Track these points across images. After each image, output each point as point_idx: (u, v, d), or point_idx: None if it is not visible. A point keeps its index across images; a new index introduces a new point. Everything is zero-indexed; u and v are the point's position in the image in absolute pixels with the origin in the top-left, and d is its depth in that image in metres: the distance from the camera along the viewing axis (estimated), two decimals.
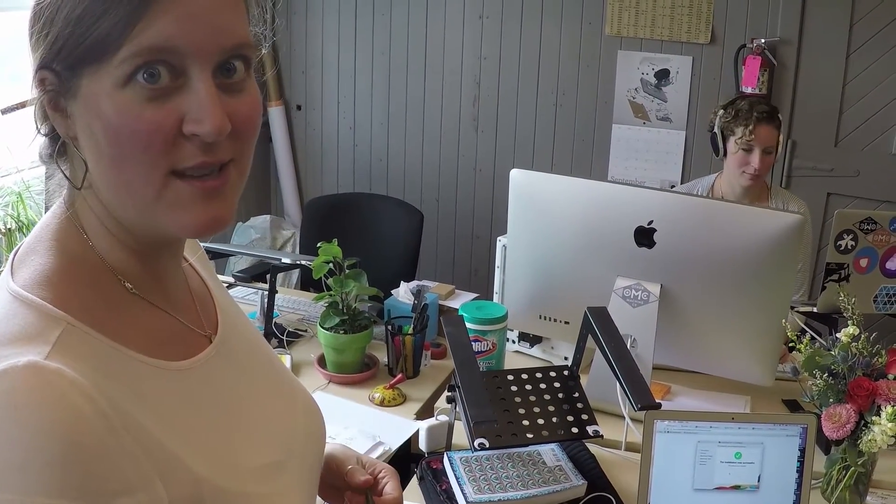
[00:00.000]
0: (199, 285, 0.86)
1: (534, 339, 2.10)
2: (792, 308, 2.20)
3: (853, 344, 1.45)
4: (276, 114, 4.01)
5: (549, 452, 1.56)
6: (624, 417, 1.67)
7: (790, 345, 1.51)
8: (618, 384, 1.45)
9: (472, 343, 1.71)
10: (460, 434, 1.55)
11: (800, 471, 1.40)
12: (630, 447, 1.66)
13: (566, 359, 1.96)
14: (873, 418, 1.39)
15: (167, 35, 0.63)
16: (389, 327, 2.08)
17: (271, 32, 0.80)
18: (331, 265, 2.01)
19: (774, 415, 1.71)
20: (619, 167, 3.63)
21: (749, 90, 3.23)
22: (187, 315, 0.79)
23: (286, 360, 2.10)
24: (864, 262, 2.10)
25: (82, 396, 0.61)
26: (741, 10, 3.31)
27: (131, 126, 0.64)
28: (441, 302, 2.31)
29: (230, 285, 2.34)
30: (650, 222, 1.71)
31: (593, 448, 1.63)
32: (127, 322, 0.71)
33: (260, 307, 2.27)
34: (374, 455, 1.69)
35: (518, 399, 1.51)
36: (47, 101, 0.67)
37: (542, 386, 1.55)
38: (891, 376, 1.43)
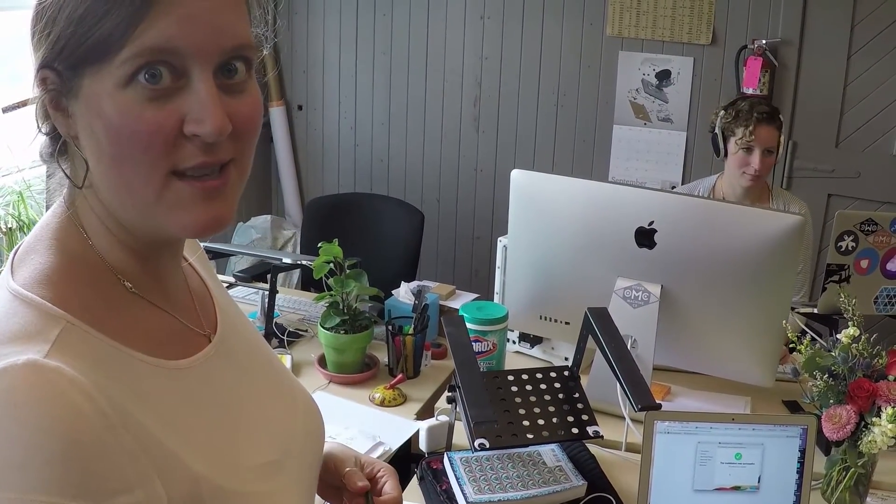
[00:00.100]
0: (198, 285, 0.86)
1: (534, 340, 2.10)
2: (792, 309, 2.20)
3: (853, 345, 1.45)
4: (277, 114, 4.01)
5: (550, 453, 1.56)
6: (624, 418, 1.67)
7: (790, 346, 1.51)
8: (618, 385, 1.45)
9: (473, 343, 1.71)
10: (460, 434, 1.55)
11: (800, 472, 1.40)
12: (630, 448, 1.66)
13: (566, 359, 1.96)
14: (873, 419, 1.39)
15: (168, 36, 0.63)
16: (390, 327, 2.08)
17: (272, 33, 0.80)
18: (331, 265, 2.01)
19: (775, 416, 1.71)
20: (619, 168, 3.63)
21: (750, 91, 3.23)
22: (187, 314, 0.79)
23: (287, 360, 2.10)
24: (864, 264, 2.10)
25: (82, 395, 0.61)
26: (742, 11, 3.31)
27: (132, 126, 0.64)
28: (441, 302, 2.31)
29: (231, 285, 2.34)
30: (651, 223, 1.71)
31: (593, 448, 1.63)
32: (126, 321, 0.71)
33: (261, 307, 2.27)
34: (375, 455, 1.69)
35: (518, 399, 1.51)
36: (49, 100, 0.67)
37: (543, 386, 1.55)
38: (891, 377, 1.43)
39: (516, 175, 1.86)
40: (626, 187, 1.83)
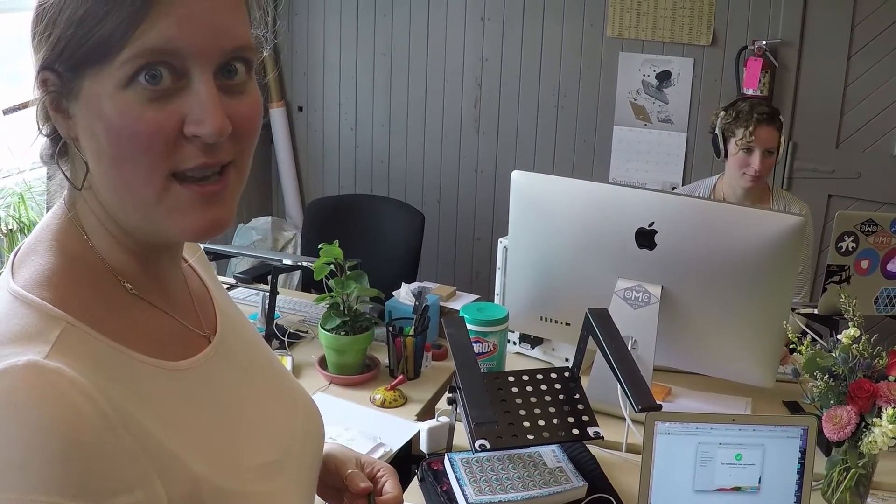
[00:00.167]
0: (198, 286, 0.86)
1: (535, 341, 2.10)
2: (793, 310, 2.20)
3: (854, 346, 1.45)
4: (277, 115, 4.02)
5: (550, 454, 1.56)
6: (625, 419, 1.67)
7: (791, 346, 1.51)
8: (618, 385, 1.45)
9: (473, 344, 1.71)
10: (461, 435, 1.56)
11: (800, 472, 1.40)
12: (631, 448, 1.66)
13: (567, 360, 1.96)
14: (874, 420, 1.39)
15: (168, 37, 0.63)
16: (390, 329, 2.08)
17: (272, 35, 0.80)
18: (332, 266, 2.01)
19: (775, 416, 1.71)
20: (620, 169, 3.63)
21: (750, 92, 3.23)
22: (186, 315, 0.79)
23: (287, 361, 2.10)
24: (864, 264, 2.10)
25: (82, 395, 0.61)
26: (742, 12, 3.31)
27: (132, 127, 0.64)
28: (442, 303, 2.31)
29: (231, 286, 2.34)
30: (651, 224, 1.71)
31: (594, 449, 1.63)
32: (126, 322, 0.71)
33: (261, 308, 2.27)
34: (376, 456, 1.69)
35: (519, 400, 1.51)
36: (49, 101, 0.68)
37: (543, 387, 1.55)
38: (891, 378, 1.43)
39: (517, 176, 1.86)
40: (627, 188, 1.83)
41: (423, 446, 1.67)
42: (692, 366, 1.85)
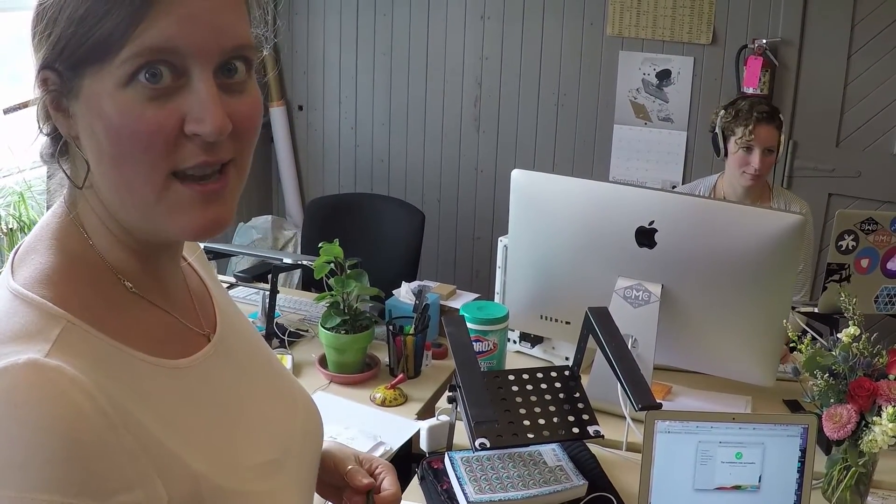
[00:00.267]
0: (197, 285, 0.86)
1: (535, 340, 2.10)
2: (793, 308, 2.20)
3: (854, 344, 1.45)
4: (277, 114, 4.02)
5: (550, 452, 1.56)
6: (625, 417, 1.67)
7: (791, 345, 1.51)
8: (619, 384, 1.45)
9: (474, 343, 1.71)
10: (461, 434, 1.56)
11: (801, 471, 1.40)
12: (631, 447, 1.66)
13: (567, 359, 1.96)
14: (874, 419, 1.39)
15: (168, 35, 0.63)
16: (391, 327, 2.08)
17: (272, 34, 0.80)
18: (332, 265, 2.01)
19: (775, 415, 1.71)
20: (620, 167, 3.63)
21: (750, 91, 3.23)
22: (186, 314, 0.79)
23: (287, 360, 2.10)
24: (864, 263, 2.10)
25: (82, 394, 0.61)
26: (742, 11, 3.31)
27: (132, 126, 0.64)
28: (442, 302, 2.31)
29: (232, 285, 2.35)
30: (651, 222, 1.71)
31: (594, 448, 1.63)
32: (126, 321, 0.71)
33: (261, 307, 2.27)
34: (375, 455, 1.69)
35: (519, 399, 1.51)
36: (49, 100, 0.68)
37: (543, 386, 1.55)
38: (892, 377, 1.43)
39: (517, 175, 1.86)
40: (627, 187, 1.83)
41: (424, 445, 1.67)
42: (692, 364, 1.85)
